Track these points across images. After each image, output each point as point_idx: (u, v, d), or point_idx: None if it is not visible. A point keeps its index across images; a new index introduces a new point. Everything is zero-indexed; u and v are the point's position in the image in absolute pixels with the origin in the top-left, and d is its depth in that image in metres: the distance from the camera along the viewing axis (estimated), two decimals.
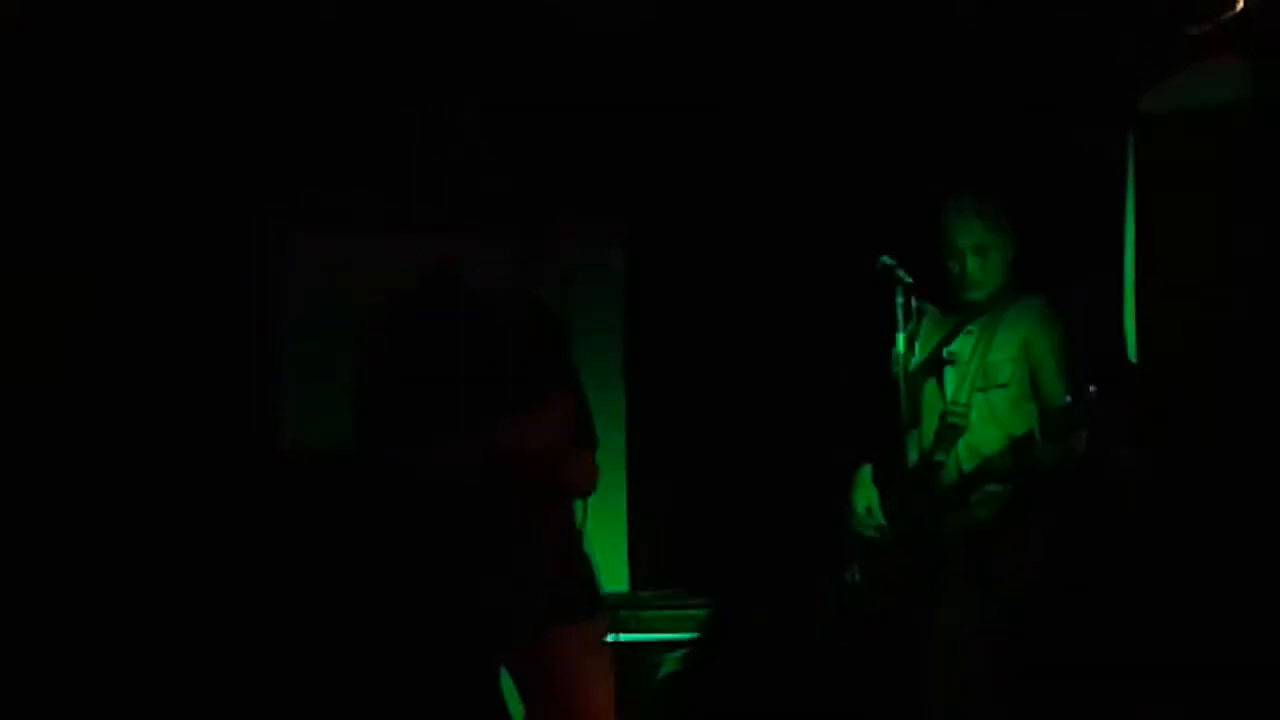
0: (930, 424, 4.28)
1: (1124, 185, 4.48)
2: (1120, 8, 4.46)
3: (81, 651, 4.60)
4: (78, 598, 4.63)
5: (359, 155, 5.01)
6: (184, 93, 4.79)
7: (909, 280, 4.13)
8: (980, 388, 4.23)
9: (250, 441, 5.01)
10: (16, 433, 4.61)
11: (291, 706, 4.69)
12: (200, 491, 4.84)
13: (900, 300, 4.12)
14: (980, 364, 4.24)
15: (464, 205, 3.57)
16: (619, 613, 4.60)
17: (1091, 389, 3.86)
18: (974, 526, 4.16)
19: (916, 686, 4.19)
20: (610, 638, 3.72)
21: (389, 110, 4.85)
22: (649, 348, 5.42)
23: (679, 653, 4.82)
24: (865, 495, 4.35)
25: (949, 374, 4.30)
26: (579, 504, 3.68)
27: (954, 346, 4.31)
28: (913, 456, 4.24)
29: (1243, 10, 4.29)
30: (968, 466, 4.17)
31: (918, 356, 4.29)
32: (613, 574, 4.97)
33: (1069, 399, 4.00)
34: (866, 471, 4.39)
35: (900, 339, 4.14)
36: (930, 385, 4.33)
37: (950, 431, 4.23)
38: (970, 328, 4.31)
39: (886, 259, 4.14)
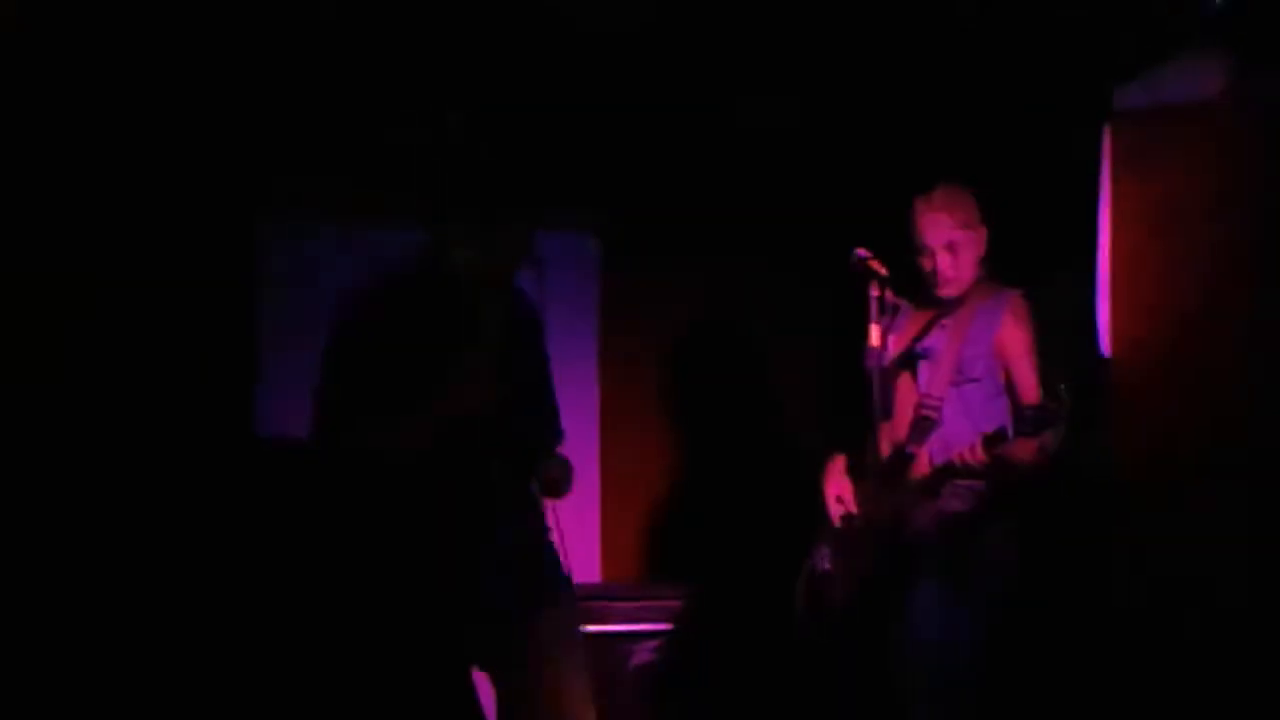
0: (904, 417, 4.28)
1: (1097, 179, 4.48)
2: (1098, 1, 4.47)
3: (69, 629, 4.61)
4: (48, 581, 4.62)
5: (338, 144, 5.00)
6: (176, 85, 4.77)
7: (883, 273, 4.12)
8: (953, 382, 4.24)
9: (225, 430, 4.99)
10: None
11: (264, 693, 4.68)
12: (173, 480, 4.82)
13: (874, 293, 4.11)
14: (953, 359, 4.25)
15: (441, 194, 3.58)
16: (591, 602, 4.60)
17: (1063, 387, 3.87)
18: (946, 517, 4.17)
19: (886, 675, 4.21)
20: (582, 628, 3.74)
21: (376, 105, 4.84)
22: (623, 338, 5.41)
23: (650, 643, 4.83)
24: (837, 484, 4.36)
25: (923, 368, 4.31)
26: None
27: (927, 341, 4.31)
28: (885, 448, 4.24)
29: (1221, 4, 4.30)
30: (940, 460, 4.18)
31: (892, 349, 4.28)
32: (585, 563, 4.97)
33: (1042, 394, 4.01)
34: (839, 461, 4.40)
35: (873, 331, 4.13)
36: (904, 378, 4.33)
37: (923, 424, 4.23)
38: (944, 322, 4.30)
39: (860, 250, 4.12)
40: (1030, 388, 4.14)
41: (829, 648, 4.35)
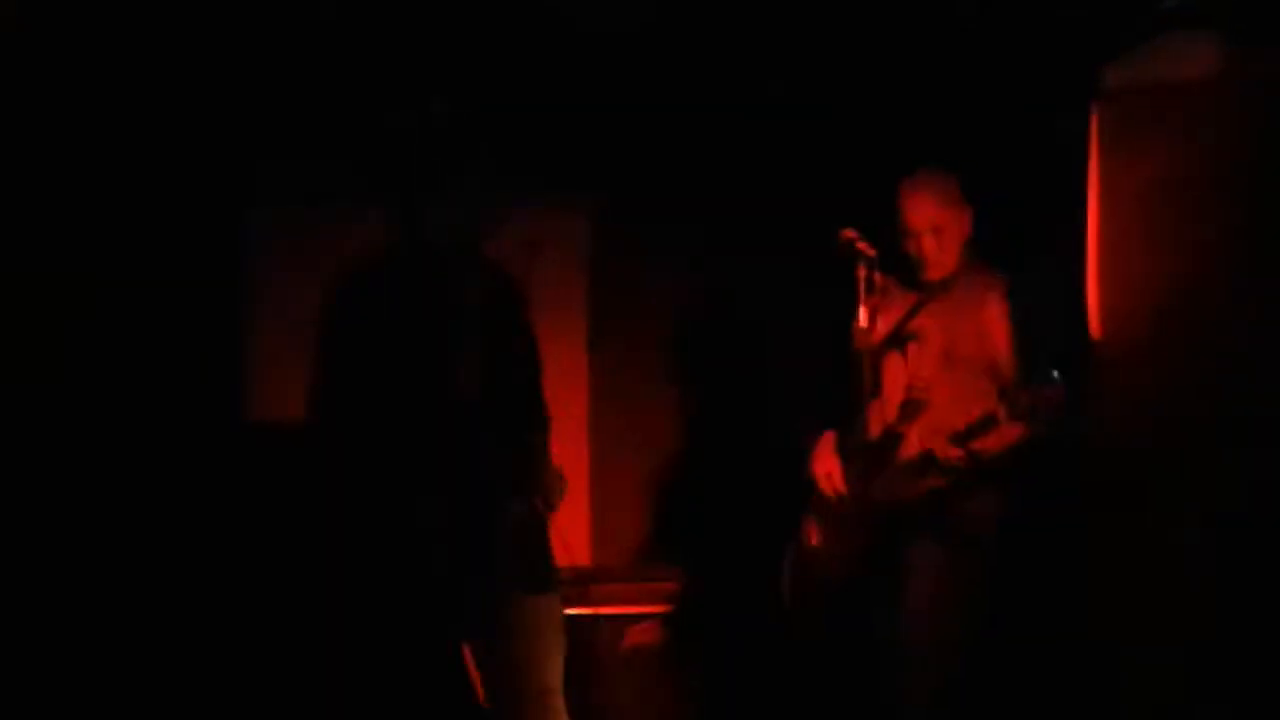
0: (893, 397, 4.29)
1: (1086, 160, 4.47)
2: None
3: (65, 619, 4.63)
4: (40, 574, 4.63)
5: (330, 128, 4.99)
6: (166, 74, 4.78)
7: (870, 254, 4.12)
8: (942, 365, 4.24)
9: (215, 414, 5.00)
10: None
11: (252, 677, 4.70)
12: (164, 466, 4.84)
13: (861, 273, 4.11)
14: (942, 341, 4.25)
15: (436, 176, 3.58)
16: (580, 585, 4.61)
17: (1055, 372, 3.88)
18: (934, 495, 4.18)
19: (873, 651, 4.22)
20: (569, 610, 3.75)
21: (372, 100, 4.85)
22: (612, 320, 5.41)
23: (639, 626, 4.83)
24: (826, 462, 4.36)
25: (911, 350, 4.31)
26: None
27: (916, 322, 4.31)
28: (875, 428, 4.25)
29: None
30: (929, 441, 4.18)
31: (880, 330, 4.29)
32: (575, 545, 4.96)
33: (1029, 378, 4.01)
34: (828, 439, 4.40)
35: (861, 312, 4.13)
36: (894, 359, 4.34)
37: (912, 406, 4.24)
38: (932, 305, 4.31)
39: (847, 232, 4.13)
40: (1017, 372, 4.14)
41: (815, 623, 4.37)
